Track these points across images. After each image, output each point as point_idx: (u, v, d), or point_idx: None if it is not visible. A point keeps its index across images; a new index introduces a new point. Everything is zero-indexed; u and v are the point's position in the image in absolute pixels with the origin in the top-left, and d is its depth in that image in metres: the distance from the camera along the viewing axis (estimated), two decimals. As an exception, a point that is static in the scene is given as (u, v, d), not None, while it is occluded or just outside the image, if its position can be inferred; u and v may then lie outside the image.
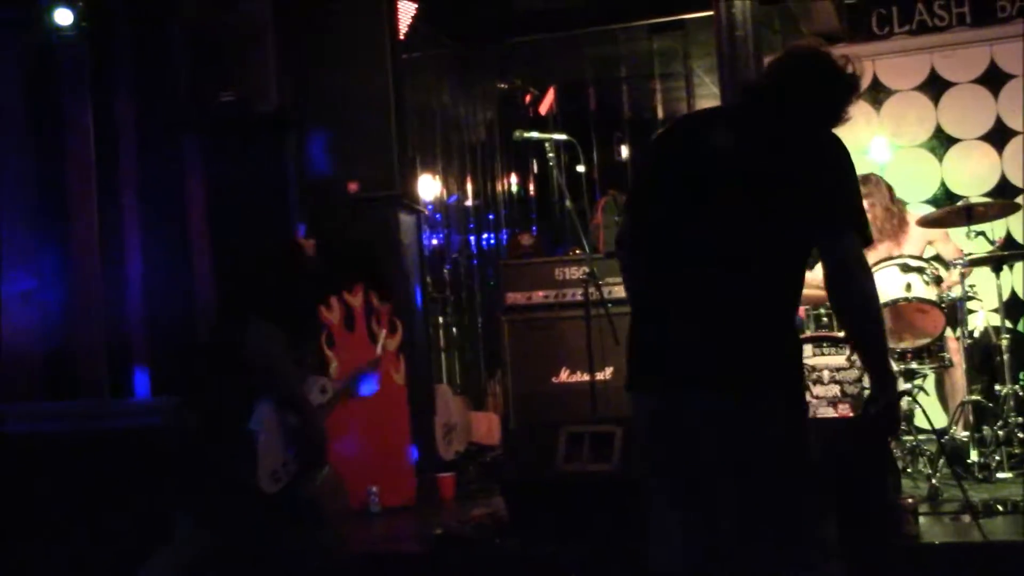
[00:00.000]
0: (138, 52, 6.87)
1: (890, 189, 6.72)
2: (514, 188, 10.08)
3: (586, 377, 6.42)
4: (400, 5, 7.06)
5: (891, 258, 6.16)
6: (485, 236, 9.77)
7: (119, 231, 6.80)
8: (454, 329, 9.03)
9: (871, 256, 6.42)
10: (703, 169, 3.15)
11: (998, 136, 7.99)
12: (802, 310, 6.57)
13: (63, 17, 6.51)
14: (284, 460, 4.17)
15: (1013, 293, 7.55)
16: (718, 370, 3.06)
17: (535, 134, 6.47)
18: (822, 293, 6.30)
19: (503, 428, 7.60)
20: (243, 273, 4.76)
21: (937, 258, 6.69)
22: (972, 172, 7.99)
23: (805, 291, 6.27)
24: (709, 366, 3.07)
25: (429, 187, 8.84)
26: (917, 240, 6.68)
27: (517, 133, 6.45)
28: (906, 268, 5.99)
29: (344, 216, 6.63)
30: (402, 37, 7.13)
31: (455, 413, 7.39)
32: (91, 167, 6.76)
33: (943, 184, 8.06)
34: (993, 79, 8.02)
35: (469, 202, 9.53)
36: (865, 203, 6.25)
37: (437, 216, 9.04)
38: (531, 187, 10.18)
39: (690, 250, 3.13)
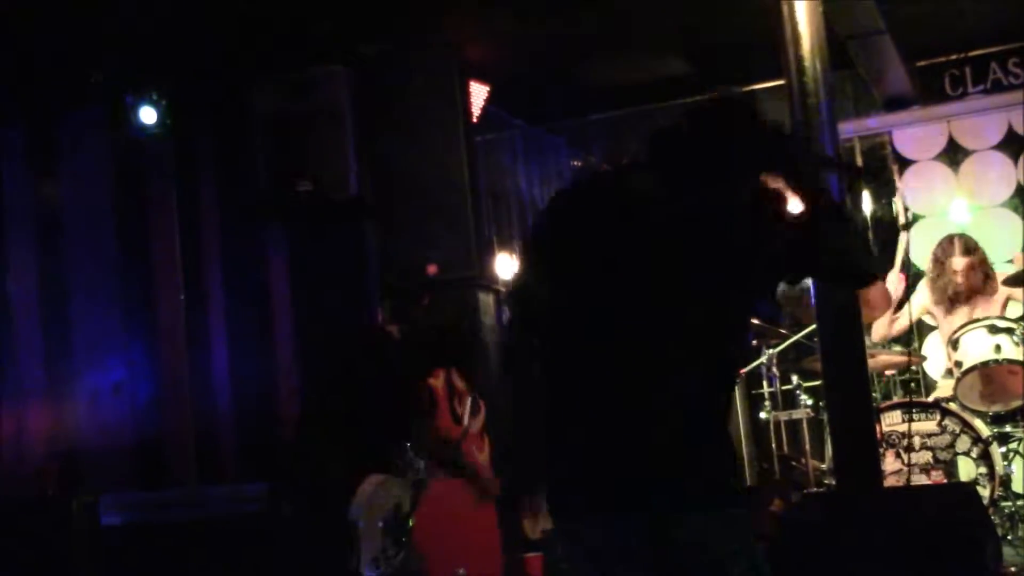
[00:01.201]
0: (219, 143, 7.05)
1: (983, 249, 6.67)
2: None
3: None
4: (472, 87, 7.14)
5: (977, 320, 6.07)
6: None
7: (204, 319, 6.93)
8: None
9: (960, 318, 6.37)
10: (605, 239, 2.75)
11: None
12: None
13: (148, 116, 6.72)
14: (384, 546, 4.17)
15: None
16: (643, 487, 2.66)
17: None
18: (902, 358, 6.28)
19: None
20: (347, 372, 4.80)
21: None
22: (1058, 230, 7.87)
23: (888, 358, 6.28)
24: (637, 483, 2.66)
25: (507, 266, 8.88)
26: (999, 300, 6.58)
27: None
28: (994, 329, 5.92)
29: (425, 300, 6.68)
30: (475, 119, 7.21)
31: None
32: (176, 257, 6.93)
33: (1028, 243, 7.94)
34: (1072, 134, 7.93)
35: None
36: (968, 261, 6.25)
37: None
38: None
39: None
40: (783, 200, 2.70)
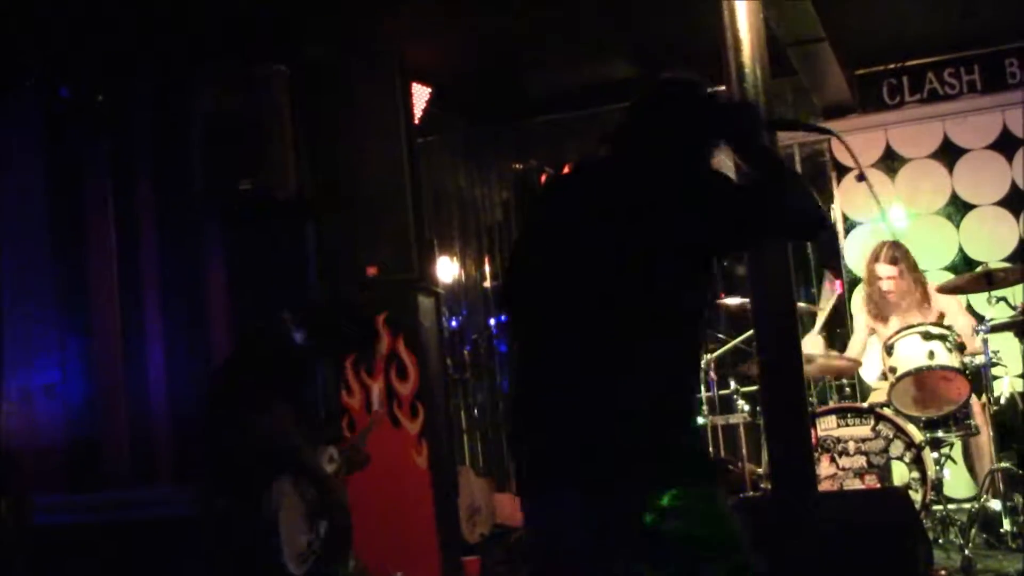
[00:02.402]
0: (157, 142, 6.96)
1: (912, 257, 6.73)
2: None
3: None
4: (414, 89, 7.12)
5: (912, 326, 6.14)
6: (503, 317, 9.77)
7: (140, 320, 6.84)
8: (475, 410, 9.00)
9: (894, 324, 6.45)
10: (570, 233, 2.86)
11: (1014, 201, 7.99)
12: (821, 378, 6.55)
13: (82, 112, 6.64)
14: (309, 540, 4.16)
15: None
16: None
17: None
18: (845, 364, 6.35)
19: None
20: (245, 356, 4.81)
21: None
22: (989, 238, 7.99)
23: (826, 361, 6.34)
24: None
25: (447, 269, 8.87)
26: (933, 312, 6.66)
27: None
28: (928, 336, 5.99)
29: (364, 300, 6.65)
30: (417, 121, 7.19)
31: (479, 495, 7.34)
32: (112, 257, 6.83)
33: (961, 250, 8.05)
34: (1006, 144, 8.05)
35: (487, 283, 9.54)
36: (894, 270, 6.33)
37: (456, 298, 9.05)
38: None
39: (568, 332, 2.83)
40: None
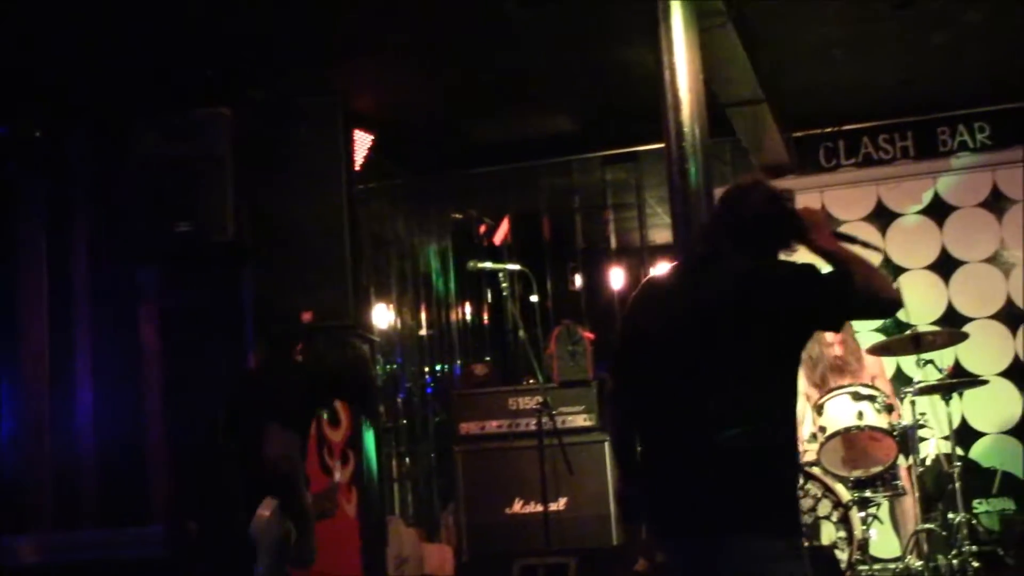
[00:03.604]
0: (94, 183, 6.90)
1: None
2: (468, 317, 10.11)
3: (540, 507, 6.38)
4: (356, 136, 7.13)
5: (842, 387, 6.21)
6: (438, 366, 9.76)
7: (71, 360, 6.74)
8: (407, 459, 8.96)
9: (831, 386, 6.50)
10: (680, 325, 3.24)
11: (945, 266, 8.14)
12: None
13: (21, 154, 6.57)
14: (274, 570, 4.19)
15: (964, 420, 7.62)
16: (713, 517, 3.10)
17: (489, 264, 6.54)
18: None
19: (456, 560, 7.50)
20: (255, 380, 4.84)
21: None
22: (920, 301, 8.11)
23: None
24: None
25: (383, 316, 8.86)
26: (866, 374, 6.73)
27: (471, 263, 6.51)
28: (857, 396, 6.05)
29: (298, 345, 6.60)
30: (357, 167, 7.20)
31: (407, 545, 7.29)
32: (43, 296, 6.73)
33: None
34: (937, 210, 8.21)
35: (423, 331, 9.53)
36: (841, 335, 6.38)
37: (391, 346, 9.03)
38: (485, 316, 10.22)
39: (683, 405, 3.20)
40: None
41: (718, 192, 5.86)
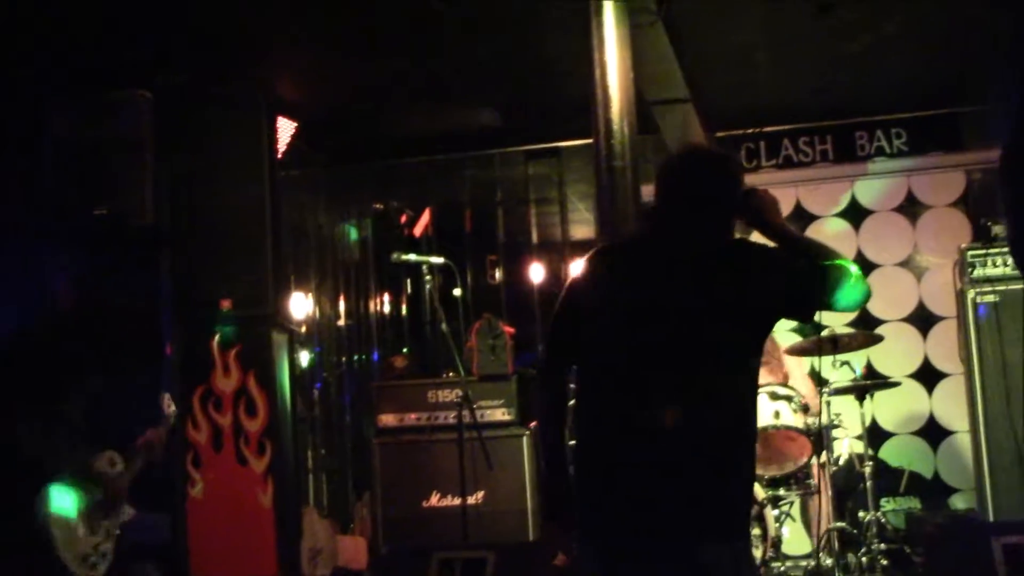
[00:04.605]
0: (7, 162, 6.73)
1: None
2: (387, 308, 10.06)
3: (457, 501, 6.37)
4: (279, 123, 7.06)
5: (760, 386, 6.27)
6: (356, 356, 9.70)
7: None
8: (323, 450, 8.89)
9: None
10: (630, 302, 3.03)
11: (862, 268, 8.25)
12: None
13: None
14: (96, 542, 4.16)
15: (874, 421, 7.75)
16: (663, 521, 2.91)
17: (413, 256, 6.49)
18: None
19: (371, 552, 7.46)
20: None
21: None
22: (836, 304, 8.23)
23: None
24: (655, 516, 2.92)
25: (301, 305, 8.78)
26: (780, 373, 6.82)
27: (395, 255, 6.46)
28: (775, 396, 6.12)
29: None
30: (280, 155, 7.12)
31: (322, 537, 7.24)
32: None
33: (808, 314, 8.27)
34: (854, 213, 8.34)
35: (341, 321, 9.47)
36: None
37: (309, 336, 8.96)
38: (404, 308, 10.18)
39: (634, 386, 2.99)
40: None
41: (645, 189, 5.93)
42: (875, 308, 8.16)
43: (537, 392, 3.44)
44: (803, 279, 2.98)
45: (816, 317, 3.07)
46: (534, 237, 9.88)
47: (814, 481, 6.20)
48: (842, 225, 8.35)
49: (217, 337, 6.39)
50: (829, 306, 3.00)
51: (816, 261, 2.99)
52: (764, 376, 6.65)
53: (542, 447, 3.32)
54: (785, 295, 2.99)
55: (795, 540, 6.82)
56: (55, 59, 6.34)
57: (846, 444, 6.54)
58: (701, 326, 2.94)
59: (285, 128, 7.30)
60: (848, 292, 2.97)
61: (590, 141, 5.73)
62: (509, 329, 7.16)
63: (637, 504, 2.92)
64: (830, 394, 6.14)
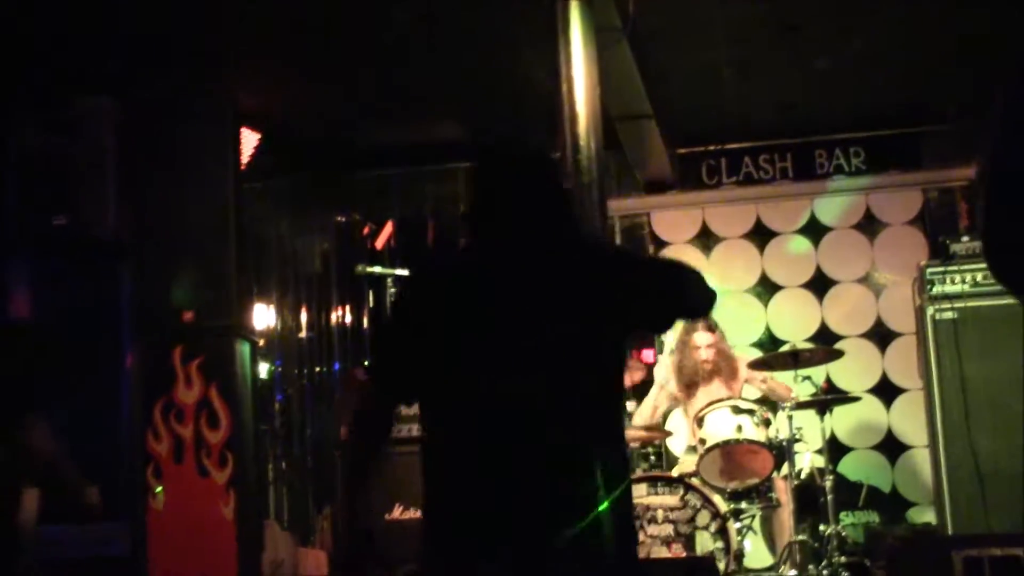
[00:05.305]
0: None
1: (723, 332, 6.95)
2: (348, 320, 10.03)
3: (420, 514, 6.34)
4: (244, 134, 7.04)
5: (722, 400, 6.33)
6: (317, 368, 9.66)
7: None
8: (283, 463, 8.85)
9: (702, 397, 6.64)
10: (474, 317, 2.76)
11: (818, 285, 8.37)
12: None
13: None
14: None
15: (832, 435, 7.82)
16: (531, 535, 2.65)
17: (379, 268, 6.51)
18: (650, 434, 6.49)
19: (331, 565, 7.43)
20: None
21: (763, 400, 6.88)
22: (795, 318, 8.33)
23: (634, 432, 6.46)
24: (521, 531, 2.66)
25: (263, 316, 8.75)
26: (738, 386, 6.86)
27: (360, 267, 6.48)
28: (737, 410, 6.17)
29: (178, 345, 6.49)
30: (243, 166, 7.10)
31: (283, 549, 7.21)
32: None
33: (768, 329, 8.37)
34: (813, 230, 8.43)
35: (303, 333, 9.44)
36: (711, 338, 6.52)
37: (271, 347, 8.93)
38: (365, 320, 10.15)
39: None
40: None
41: (611, 204, 5.96)
42: (834, 323, 8.26)
43: (354, 439, 3.08)
44: (673, 279, 2.85)
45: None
46: (496, 251, 9.87)
47: (776, 494, 6.25)
48: (802, 242, 8.44)
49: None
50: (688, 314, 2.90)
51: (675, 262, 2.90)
52: (720, 389, 6.71)
53: (347, 513, 3.06)
54: (652, 299, 2.81)
55: (757, 553, 6.87)
56: (20, 68, 6.30)
57: (807, 458, 6.59)
58: (563, 341, 2.70)
59: (249, 139, 7.29)
60: (708, 302, 2.89)
61: (555, 156, 5.76)
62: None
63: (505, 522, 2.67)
64: (792, 408, 6.19)
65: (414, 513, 6.65)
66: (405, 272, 6.61)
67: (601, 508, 2.64)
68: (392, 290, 6.35)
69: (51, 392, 6.22)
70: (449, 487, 2.78)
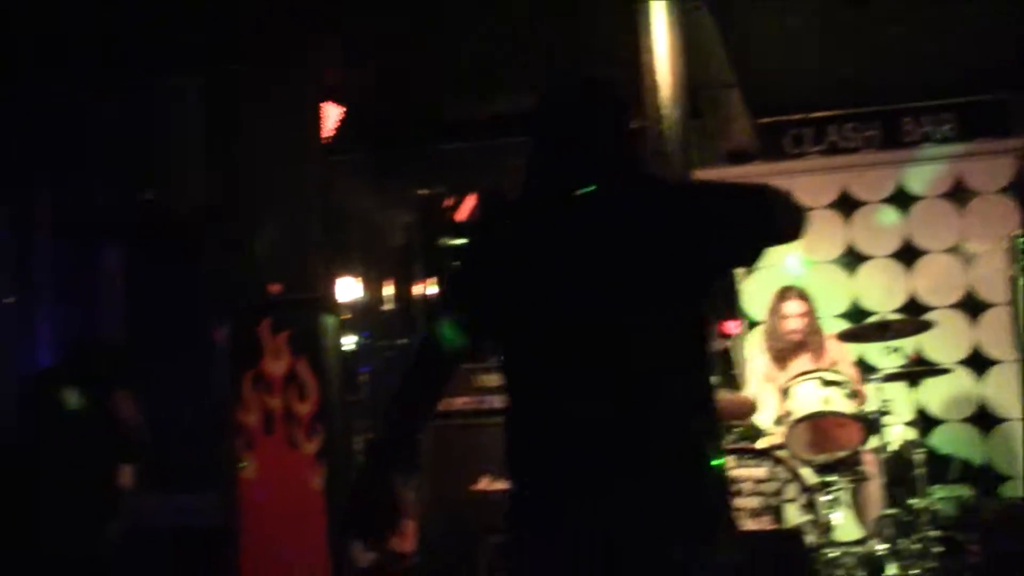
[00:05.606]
0: (58, 149, 6.81)
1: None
2: (431, 293, 10.07)
3: (506, 485, 6.35)
4: (327, 108, 7.08)
5: (810, 372, 6.26)
6: (400, 340, 9.71)
7: (32, 330, 6.67)
8: (370, 435, 8.92)
9: (792, 369, 6.56)
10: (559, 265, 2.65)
11: (906, 254, 8.23)
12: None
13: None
14: None
15: (923, 408, 7.71)
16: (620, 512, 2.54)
17: (460, 241, 6.51)
18: (740, 407, 6.43)
19: (420, 535, 7.49)
20: None
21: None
22: (882, 289, 8.19)
23: (724, 405, 6.39)
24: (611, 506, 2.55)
25: (349, 289, 8.82)
26: (827, 359, 6.78)
27: (443, 240, 6.48)
28: (825, 382, 6.10)
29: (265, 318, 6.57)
30: (327, 141, 7.15)
31: (371, 520, 7.27)
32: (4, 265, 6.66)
33: (854, 300, 8.25)
34: (901, 200, 8.28)
35: (386, 306, 9.50)
36: (802, 307, 6.44)
37: (356, 320, 9.00)
38: (448, 292, 10.19)
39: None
40: None
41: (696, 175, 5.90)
42: (923, 294, 8.12)
43: (414, 363, 2.81)
44: (754, 205, 2.70)
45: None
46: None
47: (865, 467, 6.18)
48: (889, 212, 8.29)
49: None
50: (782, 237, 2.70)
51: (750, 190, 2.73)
52: (808, 362, 6.63)
53: (384, 426, 2.78)
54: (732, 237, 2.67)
55: (846, 526, 6.79)
56: (107, 46, 6.39)
57: (897, 431, 6.50)
58: (640, 290, 2.59)
59: (332, 113, 7.34)
60: (795, 225, 2.75)
61: (639, 126, 5.73)
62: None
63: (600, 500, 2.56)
64: (881, 380, 6.10)
65: (500, 485, 6.67)
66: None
67: (700, 464, 2.57)
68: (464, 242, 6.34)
69: (147, 367, 6.38)
70: (538, 441, 2.68)
